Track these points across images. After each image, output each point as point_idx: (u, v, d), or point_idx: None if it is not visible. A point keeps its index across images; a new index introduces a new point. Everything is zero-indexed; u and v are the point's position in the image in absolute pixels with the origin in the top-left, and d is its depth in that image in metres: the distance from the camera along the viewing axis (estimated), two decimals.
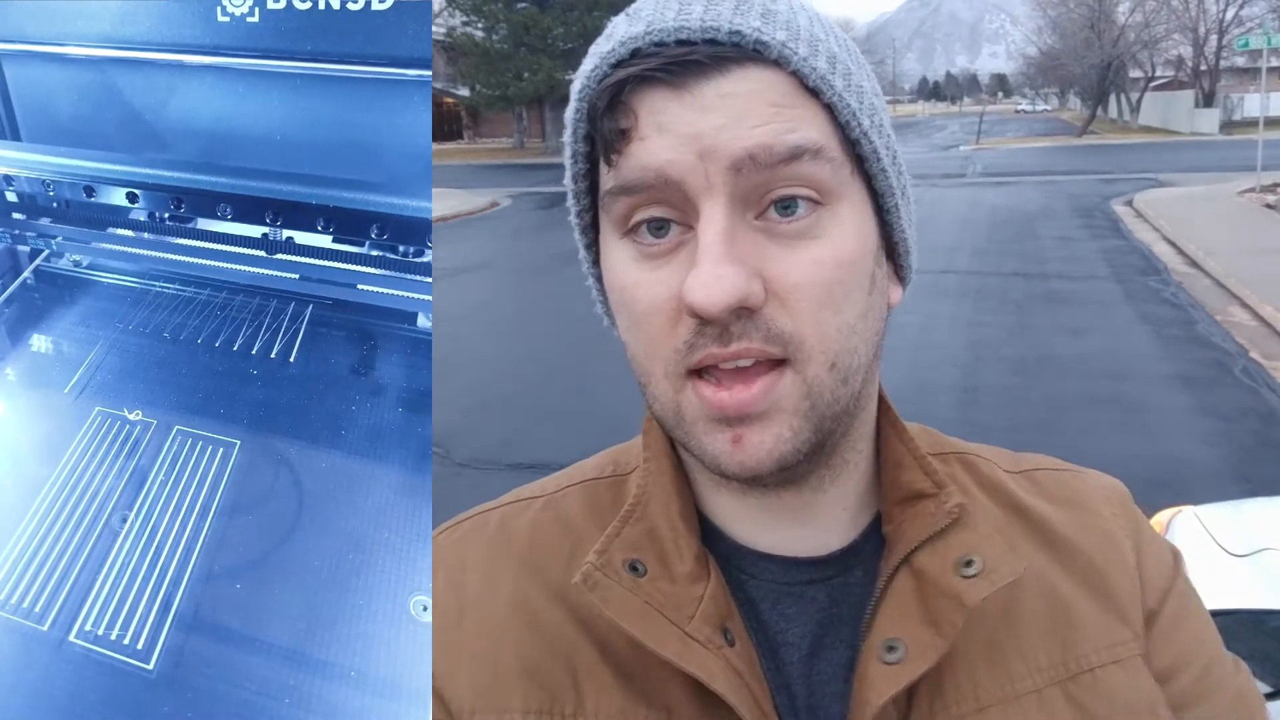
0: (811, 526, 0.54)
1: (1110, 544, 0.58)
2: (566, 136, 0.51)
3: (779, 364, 0.46)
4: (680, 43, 0.45)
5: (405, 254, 1.73)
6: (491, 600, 0.56)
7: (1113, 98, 45.34)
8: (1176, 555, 0.60)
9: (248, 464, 1.52)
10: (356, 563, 1.37)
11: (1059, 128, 44.79)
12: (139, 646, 1.22)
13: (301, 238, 1.76)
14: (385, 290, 1.77)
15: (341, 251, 1.75)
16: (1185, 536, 2.26)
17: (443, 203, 17.07)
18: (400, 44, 1.70)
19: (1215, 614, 1.81)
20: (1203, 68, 36.62)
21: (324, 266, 1.75)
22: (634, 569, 0.52)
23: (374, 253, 1.74)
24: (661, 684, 0.51)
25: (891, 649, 0.50)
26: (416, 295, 1.76)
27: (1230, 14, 35.34)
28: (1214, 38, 35.77)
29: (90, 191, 1.71)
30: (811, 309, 0.45)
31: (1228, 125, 33.98)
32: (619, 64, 0.46)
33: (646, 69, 0.45)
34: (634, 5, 0.49)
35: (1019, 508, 0.58)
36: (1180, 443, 4.85)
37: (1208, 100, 35.63)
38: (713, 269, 0.43)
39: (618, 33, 0.47)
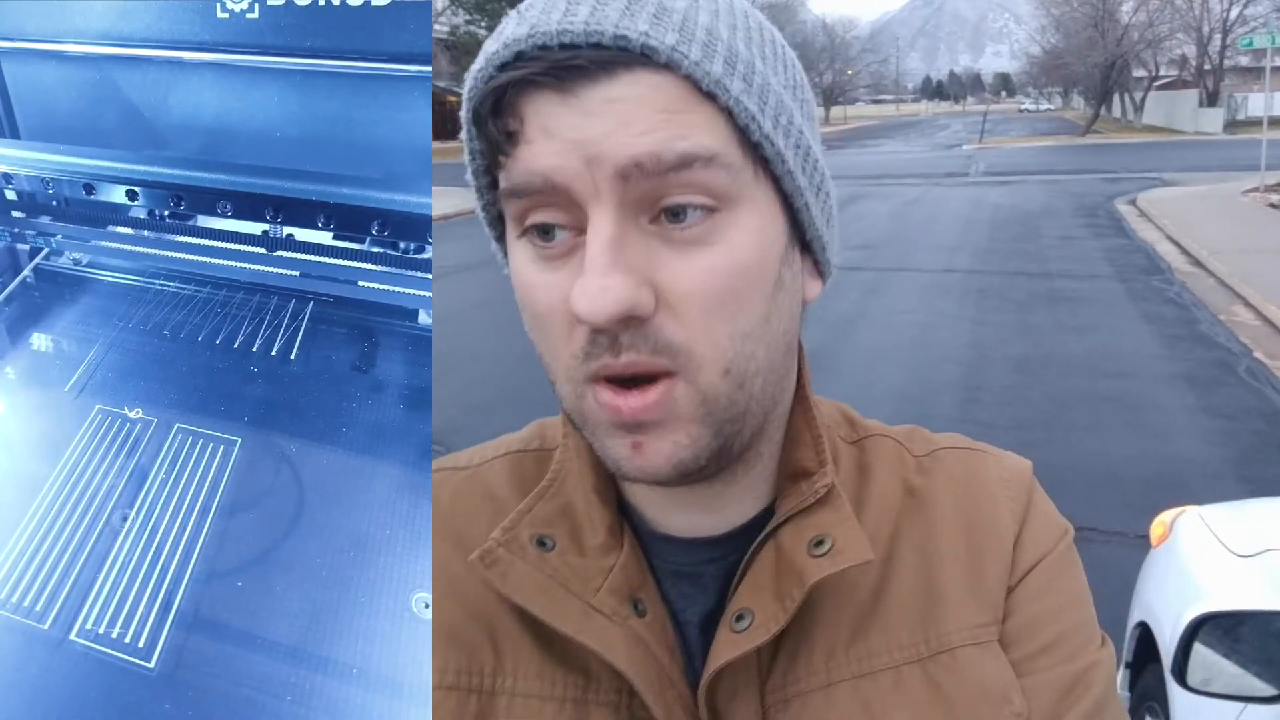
0: (721, 513, 0.55)
1: (992, 523, 0.58)
2: (463, 134, 0.50)
3: (671, 375, 0.45)
4: (564, 46, 0.43)
5: (406, 250, 1.72)
6: None
7: (1116, 97, 45.31)
8: (1064, 532, 0.59)
9: (249, 462, 1.51)
10: (358, 560, 1.36)
11: (1062, 127, 44.73)
12: (140, 645, 1.22)
13: (302, 234, 1.75)
14: (386, 287, 1.76)
15: (342, 248, 1.75)
16: (1190, 537, 2.25)
17: (445, 201, 17.01)
18: (400, 40, 1.69)
19: (1223, 616, 1.78)
20: (1207, 67, 36.57)
21: (324, 263, 1.74)
22: (541, 544, 0.53)
23: (375, 249, 1.74)
24: (579, 648, 0.52)
25: (740, 618, 0.52)
26: (417, 292, 1.76)
27: (1234, 13, 35.30)
28: (1218, 37, 35.72)
29: (90, 189, 1.71)
30: (701, 318, 0.45)
31: (1232, 125, 33.95)
32: (504, 66, 0.45)
33: (530, 73, 0.44)
34: (524, 2, 0.47)
35: (913, 489, 0.59)
36: (1183, 442, 4.83)
37: (1212, 99, 35.60)
38: (598, 279, 0.43)
39: (505, 32, 0.46)
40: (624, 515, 0.56)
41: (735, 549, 0.55)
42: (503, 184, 0.47)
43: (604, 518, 0.54)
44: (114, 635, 1.23)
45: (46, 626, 1.24)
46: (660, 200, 0.44)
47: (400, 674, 1.22)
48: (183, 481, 1.47)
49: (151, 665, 1.19)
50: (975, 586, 0.56)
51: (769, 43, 0.49)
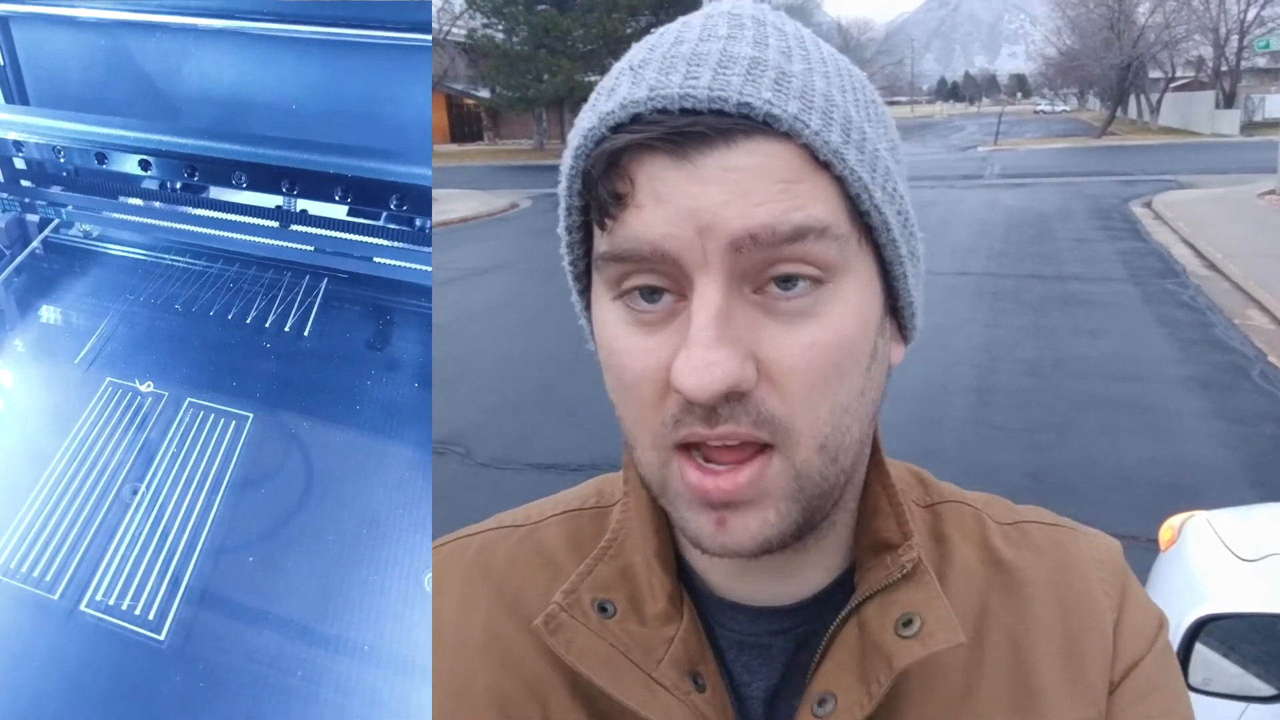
0: (790, 581, 0.53)
1: (1090, 609, 0.55)
2: (561, 189, 0.49)
3: (766, 447, 0.44)
4: (685, 111, 0.42)
5: (421, 226, 1.69)
6: (466, 629, 0.56)
7: (1132, 98, 45.06)
8: (1161, 623, 0.58)
9: (260, 438, 1.50)
10: (370, 538, 1.35)
11: (1078, 128, 44.45)
12: (150, 617, 1.21)
13: (316, 208, 1.73)
14: (402, 264, 1.73)
15: (357, 224, 1.72)
16: (1196, 541, 2.28)
17: (463, 204, 17.12)
18: (405, 8, 1.66)
19: (1225, 618, 1.80)
20: (1223, 68, 36.28)
21: (339, 239, 1.72)
22: (602, 609, 0.51)
23: (390, 225, 1.71)
24: None
25: (823, 702, 0.49)
26: (428, 268, 1.73)
27: (1251, 14, 34.99)
28: (1235, 38, 35.43)
29: (102, 158, 1.67)
30: (804, 393, 0.43)
31: (1248, 126, 33.73)
32: (618, 127, 0.43)
33: (647, 137, 0.42)
34: (639, 56, 0.46)
35: (1000, 562, 0.56)
36: (1196, 446, 4.80)
37: (1228, 101, 35.33)
38: (704, 354, 0.41)
39: (620, 92, 0.44)
40: (683, 579, 0.54)
41: (806, 620, 0.53)
42: (604, 247, 0.45)
43: (664, 584, 0.52)
44: (124, 607, 1.22)
45: (57, 597, 1.23)
46: (767, 270, 0.43)
47: (412, 653, 1.20)
48: (194, 456, 1.45)
49: (162, 638, 1.18)
50: (1073, 677, 0.53)
51: (871, 103, 0.48)
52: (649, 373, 0.44)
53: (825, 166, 0.43)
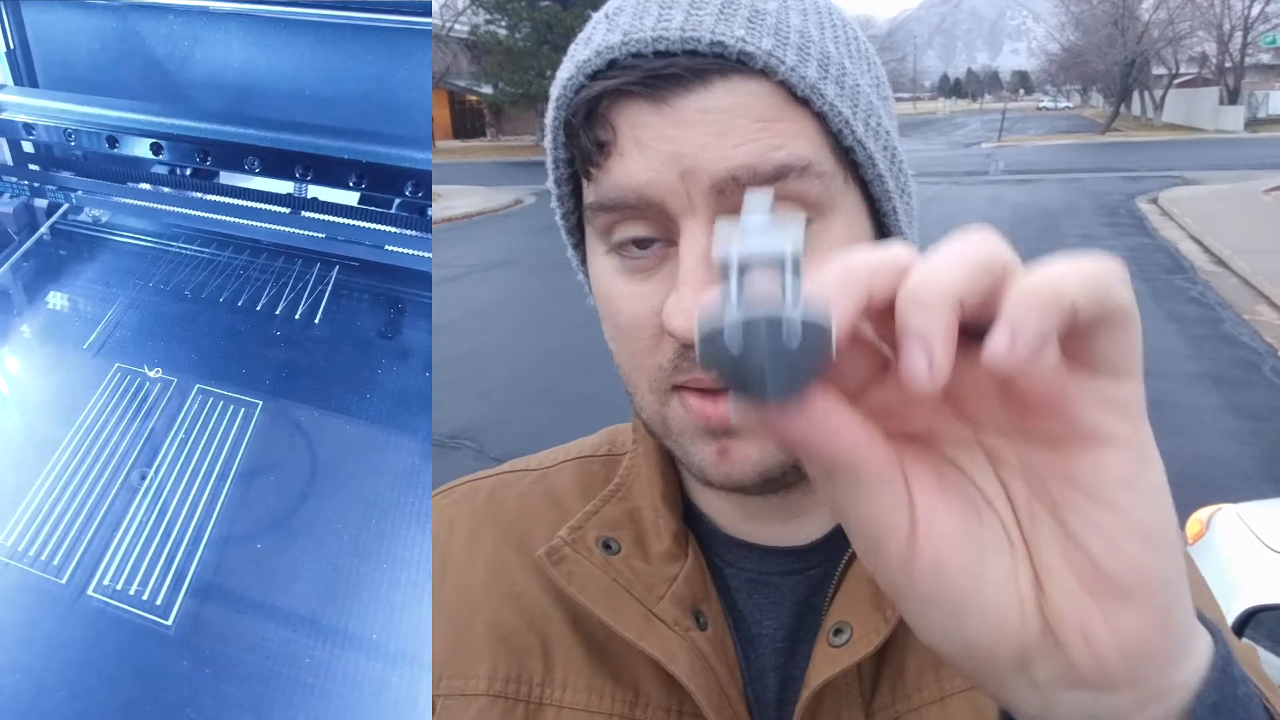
0: (797, 521, 0.54)
1: None
2: (547, 143, 0.49)
3: None
4: (659, 53, 0.42)
5: (428, 214, 1.67)
6: (471, 566, 0.57)
7: (1136, 95, 45.03)
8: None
9: (269, 425, 1.48)
10: (380, 528, 1.33)
11: (1081, 125, 44.38)
12: (157, 603, 1.20)
13: (328, 195, 1.71)
14: (414, 252, 1.71)
15: (369, 211, 1.70)
16: (1227, 534, 2.33)
17: (466, 200, 17.15)
18: None
19: (1267, 609, 1.84)
20: (1228, 64, 36.18)
21: (351, 226, 1.70)
22: (607, 546, 0.52)
23: (402, 213, 1.69)
24: (631, 661, 0.51)
25: (839, 632, 0.50)
26: (429, 254, 1.71)
27: (1256, 10, 34.94)
28: (1239, 34, 35.34)
29: (113, 142, 1.65)
30: None
31: (1253, 123, 33.67)
32: (596, 74, 0.44)
33: (624, 82, 0.42)
34: (615, 4, 0.46)
35: None
36: (1209, 441, 4.79)
37: (1233, 97, 35.23)
38: (693, 295, 0.42)
39: (595, 39, 0.45)
40: (691, 524, 0.55)
41: (819, 562, 0.53)
42: (591, 197, 0.46)
43: (670, 525, 0.53)
44: (131, 593, 1.21)
45: (63, 582, 1.22)
46: None
47: (421, 645, 1.19)
48: (202, 443, 1.44)
49: (169, 623, 1.17)
50: None
51: (853, 40, 0.48)
52: (643, 317, 0.45)
53: (805, 103, 0.43)
